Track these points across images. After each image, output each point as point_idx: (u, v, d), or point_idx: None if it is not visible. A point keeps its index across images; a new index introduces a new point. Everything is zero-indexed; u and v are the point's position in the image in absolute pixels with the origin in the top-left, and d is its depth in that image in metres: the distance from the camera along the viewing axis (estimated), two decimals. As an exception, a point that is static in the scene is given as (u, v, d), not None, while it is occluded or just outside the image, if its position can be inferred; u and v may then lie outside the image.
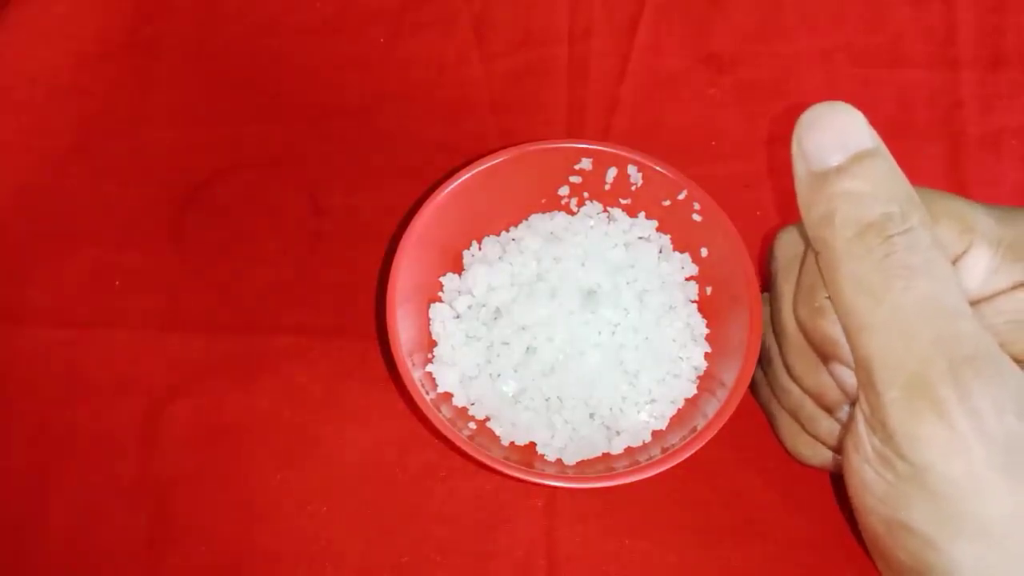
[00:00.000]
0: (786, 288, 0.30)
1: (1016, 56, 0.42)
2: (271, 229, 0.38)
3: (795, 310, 0.29)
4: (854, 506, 0.27)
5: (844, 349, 0.26)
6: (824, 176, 0.25)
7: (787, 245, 0.30)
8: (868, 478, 0.25)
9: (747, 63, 0.42)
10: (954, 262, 0.26)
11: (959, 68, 0.42)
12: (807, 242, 0.28)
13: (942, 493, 0.24)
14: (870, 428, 0.25)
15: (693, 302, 0.35)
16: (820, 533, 0.33)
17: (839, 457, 0.30)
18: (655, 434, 0.33)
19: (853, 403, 0.27)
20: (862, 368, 0.25)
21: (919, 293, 0.24)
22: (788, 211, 0.39)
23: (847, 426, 0.27)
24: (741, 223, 0.34)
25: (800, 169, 0.26)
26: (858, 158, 0.25)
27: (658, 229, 0.36)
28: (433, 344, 0.34)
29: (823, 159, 0.25)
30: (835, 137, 0.25)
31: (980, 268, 0.26)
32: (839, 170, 0.25)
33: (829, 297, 0.26)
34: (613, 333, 0.33)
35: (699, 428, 0.31)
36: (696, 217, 0.35)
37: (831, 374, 0.28)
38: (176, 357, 0.36)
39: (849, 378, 0.27)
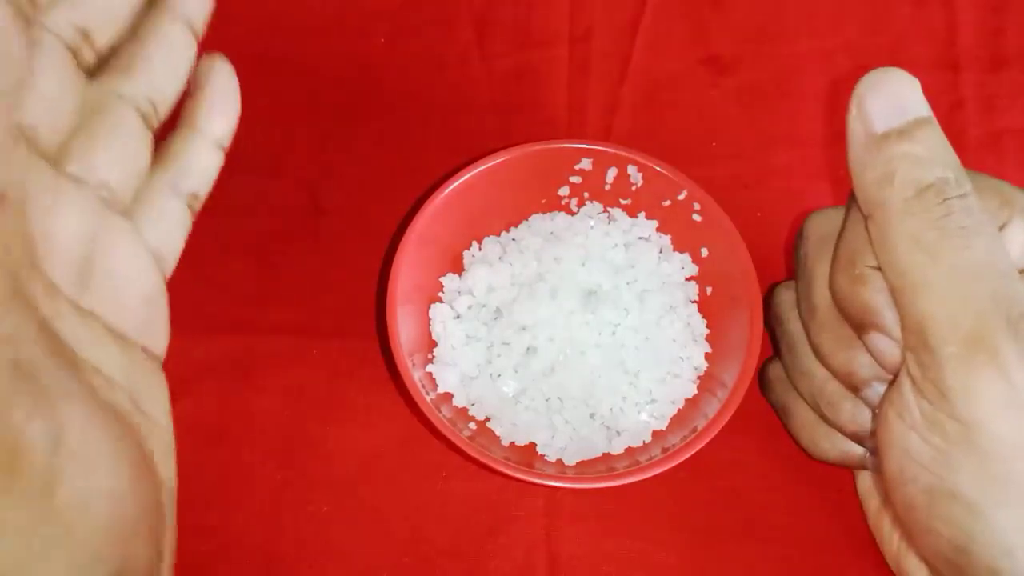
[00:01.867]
0: (819, 265, 0.30)
1: (1017, 57, 0.42)
2: (271, 229, 0.38)
3: (832, 282, 0.29)
4: (890, 480, 0.27)
5: (884, 317, 0.27)
6: (884, 138, 0.25)
7: (820, 225, 0.31)
8: (913, 445, 0.26)
9: (748, 64, 0.42)
10: None
11: (960, 69, 0.42)
12: (847, 216, 0.28)
13: (992, 453, 0.24)
14: (918, 391, 0.25)
15: (693, 302, 0.35)
16: (821, 533, 0.33)
17: (855, 449, 0.30)
18: (655, 434, 0.33)
19: (894, 375, 0.27)
20: (914, 329, 0.25)
21: (976, 253, 0.24)
22: (788, 212, 0.39)
23: (888, 397, 0.27)
24: (741, 223, 0.34)
25: (858, 130, 0.26)
26: (918, 123, 0.25)
27: (658, 229, 0.36)
28: (433, 344, 0.34)
29: (884, 121, 0.26)
30: (895, 101, 0.26)
31: (1018, 243, 0.27)
32: (900, 132, 0.25)
33: (876, 264, 0.27)
34: (613, 333, 0.33)
35: (699, 428, 0.31)
36: (696, 217, 0.35)
37: (868, 345, 0.28)
38: (176, 357, 0.36)
39: (887, 347, 0.27)
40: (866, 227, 0.26)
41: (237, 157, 0.39)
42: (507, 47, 0.42)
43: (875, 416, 0.29)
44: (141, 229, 0.25)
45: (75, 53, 0.24)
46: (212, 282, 0.37)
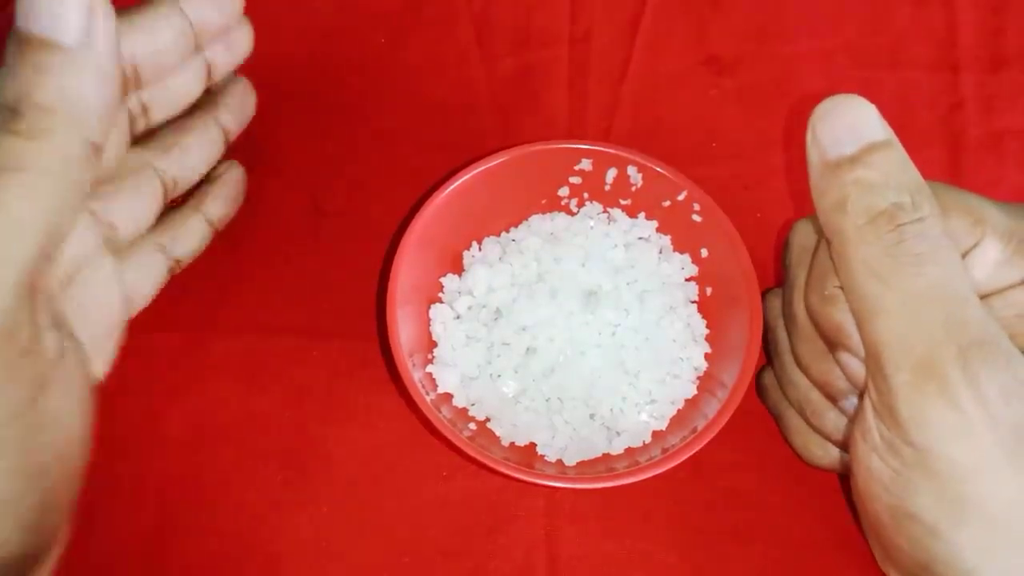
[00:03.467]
0: (800, 276, 0.30)
1: (1017, 57, 0.42)
2: (271, 229, 0.38)
3: (806, 298, 0.29)
4: (859, 496, 0.27)
5: (852, 337, 0.27)
6: (837, 165, 0.26)
7: (802, 235, 0.31)
8: (875, 466, 0.26)
9: (748, 64, 0.42)
10: (965, 254, 0.27)
11: (960, 69, 0.42)
12: (819, 232, 0.28)
13: (947, 477, 0.24)
14: (878, 415, 0.25)
15: (693, 303, 0.35)
16: (821, 534, 0.33)
17: (847, 456, 0.30)
18: (655, 435, 0.33)
19: (861, 393, 0.27)
20: (871, 353, 0.25)
21: (929, 279, 0.24)
22: (788, 212, 0.39)
23: (855, 416, 0.28)
24: (741, 224, 0.34)
25: (814, 157, 0.26)
26: (870, 148, 0.25)
27: (658, 230, 0.36)
28: (433, 345, 0.34)
29: (837, 148, 0.26)
30: (848, 127, 0.26)
31: (990, 261, 0.27)
32: (852, 159, 0.25)
33: (840, 285, 0.27)
34: (613, 334, 0.33)
35: (699, 428, 0.31)
36: (696, 218, 0.35)
37: (839, 363, 0.28)
38: (176, 357, 0.36)
39: (856, 367, 0.27)
40: (829, 251, 0.27)
41: (237, 157, 0.40)
42: (507, 47, 0.42)
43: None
44: (124, 271, 0.30)
45: (133, 120, 0.30)
46: (213, 282, 0.37)
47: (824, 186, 0.26)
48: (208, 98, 0.33)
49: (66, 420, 0.23)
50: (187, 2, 0.28)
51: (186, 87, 0.31)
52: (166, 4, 0.28)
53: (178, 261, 0.33)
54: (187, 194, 0.34)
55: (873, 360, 0.25)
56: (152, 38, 0.27)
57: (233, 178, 0.35)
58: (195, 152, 0.32)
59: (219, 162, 0.35)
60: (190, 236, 0.33)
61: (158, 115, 0.31)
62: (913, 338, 0.24)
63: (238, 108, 0.34)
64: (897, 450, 0.25)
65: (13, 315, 0.20)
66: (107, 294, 0.27)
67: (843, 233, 0.25)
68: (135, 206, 0.30)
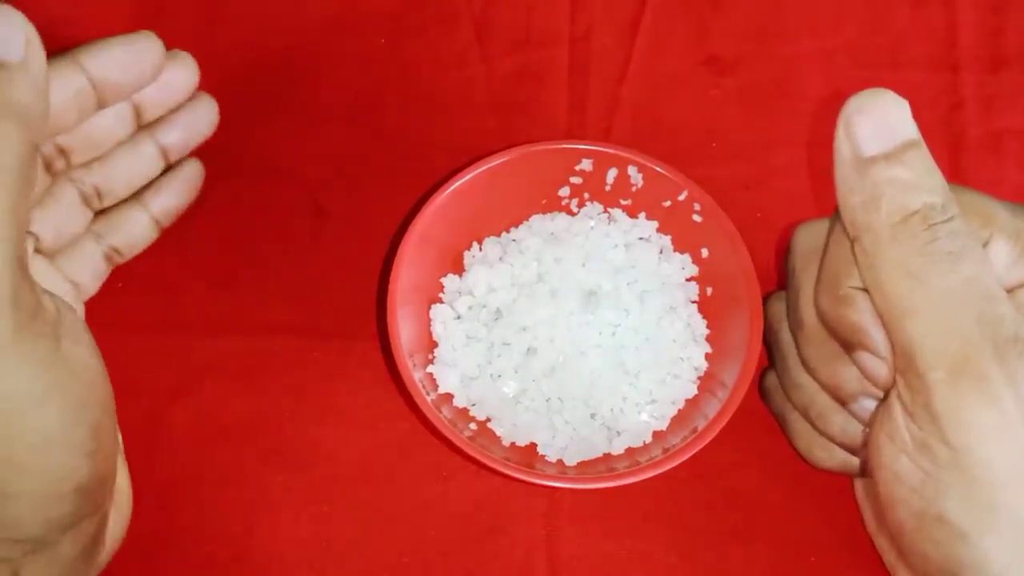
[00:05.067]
0: (806, 280, 0.30)
1: (1017, 58, 0.42)
2: (271, 229, 0.38)
3: (816, 300, 0.29)
4: (882, 500, 0.27)
5: (872, 337, 0.27)
6: (871, 162, 0.25)
7: (807, 238, 0.31)
8: (903, 468, 0.26)
9: (748, 64, 0.42)
10: None
11: (960, 70, 0.42)
12: (830, 234, 0.28)
13: (981, 480, 0.24)
14: (908, 415, 0.25)
15: (693, 303, 0.35)
16: (822, 534, 0.33)
17: (854, 458, 0.30)
18: (656, 435, 0.33)
19: (886, 394, 0.27)
20: (903, 353, 0.25)
21: (962, 276, 0.24)
22: (789, 212, 0.39)
23: (877, 417, 0.27)
24: (741, 224, 0.34)
25: (846, 153, 0.26)
26: (905, 147, 0.25)
27: (658, 230, 0.36)
28: (434, 345, 0.34)
29: (871, 144, 0.25)
30: (883, 124, 0.25)
31: (1000, 261, 0.27)
32: (888, 156, 0.25)
33: (862, 285, 0.26)
34: (613, 334, 0.33)
35: (700, 428, 0.31)
36: (696, 218, 0.35)
37: (856, 363, 0.28)
38: (176, 357, 0.36)
39: (876, 367, 0.27)
40: (852, 249, 0.26)
41: (238, 157, 0.40)
42: (507, 47, 0.42)
43: (864, 430, 0.29)
44: (60, 266, 0.33)
45: (49, 164, 0.32)
46: (213, 283, 0.37)
47: (855, 182, 0.26)
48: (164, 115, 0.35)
49: (84, 360, 0.26)
50: (89, 60, 0.31)
51: (107, 130, 0.33)
52: (65, 61, 0.30)
53: (116, 250, 0.35)
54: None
55: (905, 359, 0.25)
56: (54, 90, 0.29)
57: (183, 172, 0.36)
58: (121, 165, 0.34)
59: (182, 160, 0.36)
60: (127, 225, 0.35)
61: (78, 158, 0.33)
62: (948, 336, 0.24)
63: (185, 124, 0.35)
64: (930, 450, 0.25)
65: (17, 286, 0.23)
66: (51, 286, 0.28)
67: (875, 232, 0.25)
68: (51, 213, 0.33)
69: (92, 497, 0.27)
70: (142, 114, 0.34)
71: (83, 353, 0.26)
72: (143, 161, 0.35)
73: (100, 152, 0.33)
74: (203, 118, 0.36)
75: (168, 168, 0.36)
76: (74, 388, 0.25)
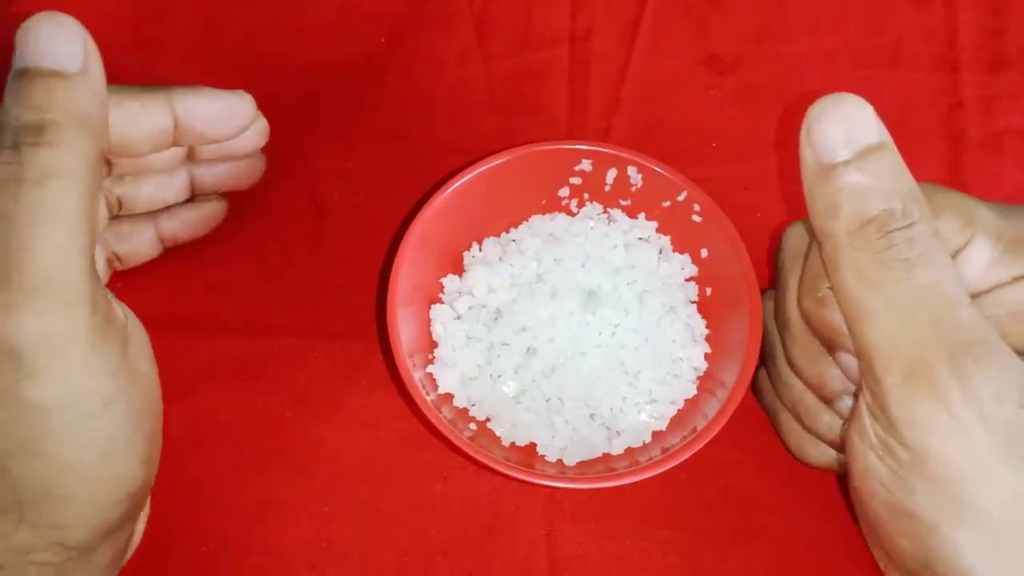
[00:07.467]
0: (791, 279, 0.30)
1: (1017, 58, 0.42)
2: (271, 229, 0.38)
3: (799, 301, 0.29)
4: (857, 493, 0.27)
5: (848, 337, 0.27)
6: (831, 168, 0.25)
7: (795, 238, 0.31)
8: (872, 464, 0.26)
9: (748, 64, 0.42)
10: (956, 254, 0.27)
11: (960, 70, 0.42)
12: (812, 235, 0.28)
13: (942, 478, 0.24)
14: (872, 416, 0.26)
15: (693, 303, 0.35)
16: (821, 533, 0.33)
17: (843, 456, 0.30)
18: (655, 434, 0.33)
19: (856, 393, 0.27)
20: (862, 356, 0.25)
21: (917, 283, 0.24)
22: (789, 212, 0.39)
23: (851, 415, 0.28)
24: (741, 224, 0.34)
25: (808, 159, 0.26)
26: (865, 152, 0.25)
27: (658, 230, 0.36)
28: (434, 345, 0.34)
29: (831, 151, 0.25)
30: (843, 130, 0.25)
31: (981, 260, 0.27)
32: (846, 164, 0.25)
33: (831, 287, 0.27)
34: (613, 334, 0.33)
35: (699, 428, 0.31)
36: (696, 218, 0.35)
37: (837, 363, 0.29)
38: (177, 358, 0.36)
39: (856, 367, 0.27)
40: (820, 254, 0.27)
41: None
42: (507, 47, 0.42)
43: (844, 427, 0.29)
44: None
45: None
46: (213, 283, 0.37)
47: (817, 189, 0.26)
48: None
49: (144, 368, 0.27)
50: (181, 103, 0.31)
51: (160, 158, 0.33)
52: (157, 96, 0.31)
53: (118, 256, 0.35)
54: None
55: (864, 362, 0.25)
56: (133, 122, 0.30)
57: (207, 208, 0.36)
58: (151, 185, 0.34)
59: (210, 196, 0.36)
60: (134, 235, 0.35)
61: (116, 170, 0.33)
62: (902, 341, 0.24)
63: (232, 173, 0.35)
64: (893, 451, 0.25)
65: (92, 291, 0.24)
66: None
67: (834, 238, 0.25)
68: None
69: (139, 504, 0.28)
70: (196, 153, 0.34)
71: (144, 361, 0.27)
72: (173, 188, 0.35)
73: (140, 171, 0.33)
74: (251, 175, 0.36)
75: (192, 196, 0.36)
76: (136, 395, 0.26)
